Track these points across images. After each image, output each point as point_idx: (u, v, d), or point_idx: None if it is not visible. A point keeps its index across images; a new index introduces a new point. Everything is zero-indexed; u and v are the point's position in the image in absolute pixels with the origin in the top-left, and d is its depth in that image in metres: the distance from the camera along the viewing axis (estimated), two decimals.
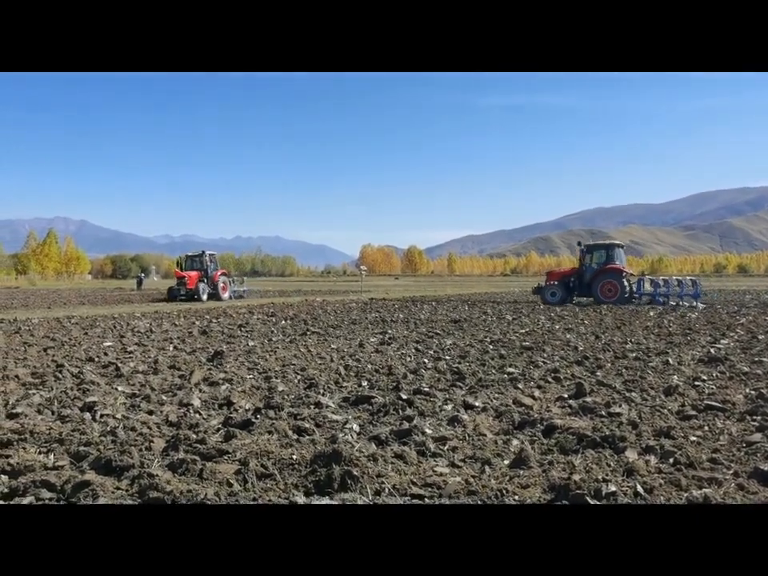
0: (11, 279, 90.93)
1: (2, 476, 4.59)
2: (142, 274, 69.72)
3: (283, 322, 18.76)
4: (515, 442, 5.39)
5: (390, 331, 15.35)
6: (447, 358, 10.54)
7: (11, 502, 3.77)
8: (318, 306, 28.02)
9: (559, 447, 5.17)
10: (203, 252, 38.13)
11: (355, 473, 4.30)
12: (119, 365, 9.83)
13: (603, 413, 6.28)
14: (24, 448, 5.30)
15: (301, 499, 3.99)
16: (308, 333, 15.13)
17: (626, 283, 28.43)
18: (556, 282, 30.17)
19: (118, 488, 4.32)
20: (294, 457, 4.78)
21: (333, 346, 12.46)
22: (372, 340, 13.54)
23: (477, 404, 6.78)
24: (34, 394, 7.63)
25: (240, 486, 4.30)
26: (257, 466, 4.60)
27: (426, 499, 4.04)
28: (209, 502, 3.68)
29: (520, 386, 7.92)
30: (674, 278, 30.35)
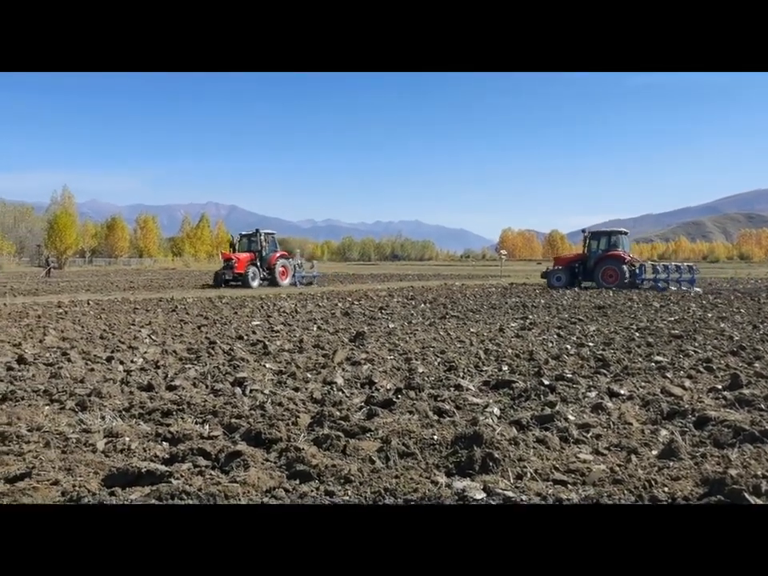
0: (168, 261, 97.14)
1: (164, 443, 4.93)
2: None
3: (422, 305, 18.89)
4: (664, 432, 5.16)
5: (530, 316, 15.11)
6: (591, 344, 10.25)
7: (11, 502, 3.72)
8: (457, 290, 27.99)
9: (713, 440, 4.89)
10: (257, 230, 33.43)
11: (496, 455, 4.28)
12: (267, 343, 10.27)
13: (763, 406, 5.88)
14: (182, 418, 5.65)
15: (442, 479, 4.03)
16: (447, 316, 15.16)
17: (625, 269, 29.60)
18: (561, 268, 31.87)
19: (266, 459, 4.51)
20: (435, 437, 4.81)
21: (472, 330, 12.42)
22: (512, 325, 13.37)
23: (622, 392, 6.55)
24: (189, 368, 8.12)
25: (382, 463, 4.38)
26: (398, 444, 4.66)
27: (569, 485, 3.97)
28: (207, 503, 3.62)
29: (669, 375, 7.56)
30: (673, 263, 32.21)
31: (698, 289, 27.97)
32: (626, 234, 31.89)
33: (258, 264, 32.18)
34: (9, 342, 10.49)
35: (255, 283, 31.23)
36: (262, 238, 33.01)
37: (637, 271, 30.10)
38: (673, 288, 28.66)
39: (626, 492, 3.77)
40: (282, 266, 32.92)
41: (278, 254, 33.33)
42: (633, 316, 15.33)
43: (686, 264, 31.36)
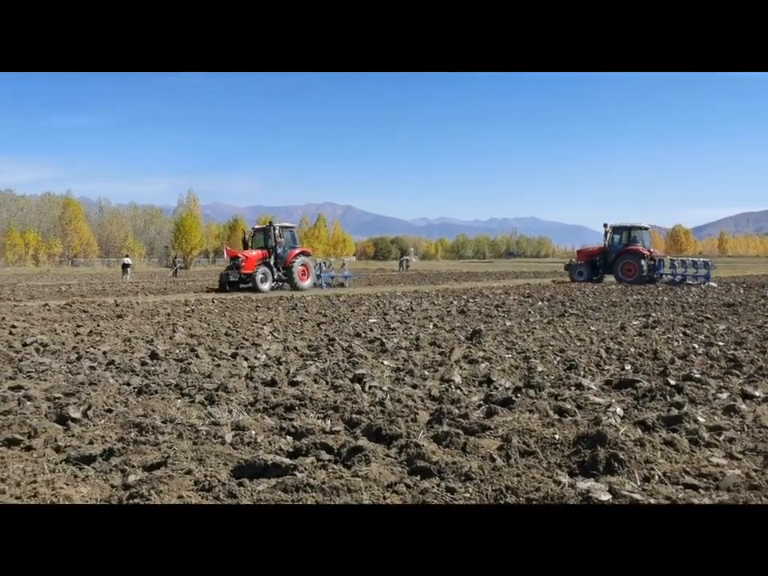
0: None
1: (288, 437, 5.07)
2: (406, 257, 72.65)
3: (540, 303, 18.58)
4: None
5: (653, 314, 14.57)
6: (720, 343, 9.75)
7: (10, 503, 3.68)
8: (575, 287, 27.36)
9: None
10: (270, 224, 28.81)
11: (621, 456, 4.15)
12: (384, 340, 10.38)
13: None
14: (305, 413, 5.80)
15: (565, 479, 3.95)
16: (566, 314, 14.83)
17: (644, 264, 30.59)
18: (583, 262, 33.18)
19: (387, 455, 4.56)
20: (557, 436, 4.72)
21: (592, 328, 12.10)
22: (634, 323, 12.93)
23: (757, 394, 6.19)
24: (310, 364, 8.32)
25: (503, 461, 4.34)
26: (519, 443, 4.61)
27: (701, 490, 3.79)
28: (205, 503, 3.59)
29: None
30: (690, 259, 33.61)
31: (713, 283, 28.83)
32: (646, 229, 33.15)
33: (273, 263, 27.48)
34: (142, 339, 11.11)
35: (266, 286, 26.49)
36: (277, 232, 28.06)
37: (656, 266, 31.14)
38: (689, 282, 29.71)
39: (763, 498, 3.57)
40: (302, 265, 28.16)
41: (296, 251, 28.30)
42: (767, 314, 14.50)
43: (701, 260, 32.36)
